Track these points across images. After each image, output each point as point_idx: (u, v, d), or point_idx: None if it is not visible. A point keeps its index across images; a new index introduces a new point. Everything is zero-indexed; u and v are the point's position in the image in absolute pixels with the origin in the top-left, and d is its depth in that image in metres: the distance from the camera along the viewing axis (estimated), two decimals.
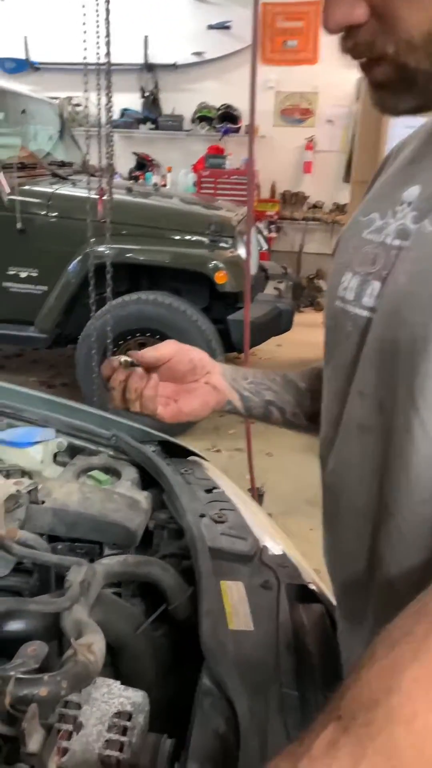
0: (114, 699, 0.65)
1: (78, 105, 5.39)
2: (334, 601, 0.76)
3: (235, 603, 0.76)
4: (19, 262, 3.19)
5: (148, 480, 1.05)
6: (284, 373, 0.87)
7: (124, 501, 0.94)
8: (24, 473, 0.94)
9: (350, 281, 0.59)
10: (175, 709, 0.73)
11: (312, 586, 0.85)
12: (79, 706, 0.63)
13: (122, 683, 0.84)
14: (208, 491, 1.01)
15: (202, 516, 0.92)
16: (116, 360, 0.81)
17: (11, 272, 3.20)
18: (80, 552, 0.92)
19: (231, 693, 0.62)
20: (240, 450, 3.09)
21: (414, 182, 0.56)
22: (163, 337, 2.83)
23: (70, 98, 5.66)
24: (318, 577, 0.92)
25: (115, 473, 1.05)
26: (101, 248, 2.53)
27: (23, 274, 3.19)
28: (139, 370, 0.80)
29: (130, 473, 1.04)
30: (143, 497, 0.98)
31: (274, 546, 0.92)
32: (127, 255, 3.12)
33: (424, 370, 0.48)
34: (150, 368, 0.81)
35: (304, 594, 0.83)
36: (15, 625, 0.72)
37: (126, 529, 0.89)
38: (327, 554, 0.72)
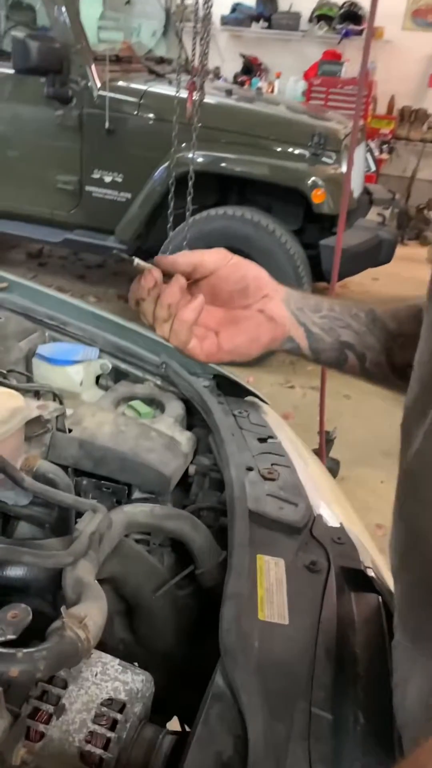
0: (107, 682, 0.54)
1: None
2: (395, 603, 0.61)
3: (271, 586, 0.62)
4: (104, 165, 3.03)
5: (195, 418, 0.92)
6: (371, 307, 0.68)
7: (161, 440, 0.82)
8: (55, 396, 0.82)
9: None
10: (197, 677, 0.62)
11: (370, 572, 0.70)
12: (65, 684, 0.53)
13: (139, 645, 0.75)
14: (262, 440, 0.86)
15: (250, 470, 0.78)
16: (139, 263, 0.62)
17: (95, 176, 3.05)
18: (106, 491, 0.81)
19: (245, 708, 0.49)
20: (315, 388, 2.90)
21: None
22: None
23: None
24: (380, 558, 0.77)
25: (158, 406, 0.92)
26: (190, 155, 2.31)
27: (107, 179, 3.03)
28: (182, 281, 0.61)
29: (175, 408, 0.90)
30: (185, 438, 0.85)
31: (331, 515, 0.77)
32: (221, 164, 2.87)
33: None
34: (188, 281, 0.63)
35: (358, 580, 0.68)
36: (13, 572, 0.62)
37: (159, 473, 0.77)
38: (394, 549, 0.55)
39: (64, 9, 2.95)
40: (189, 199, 2.11)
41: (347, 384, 2.89)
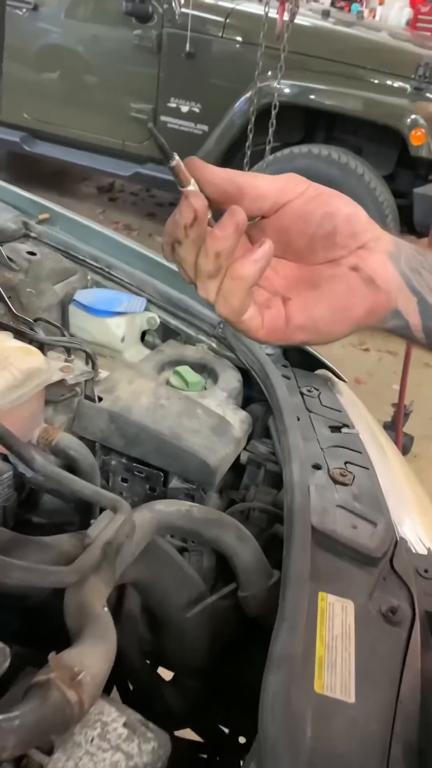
0: (106, 752, 0.41)
1: None
2: None
3: (334, 641, 0.46)
4: (182, 93, 2.78)
5: (254, 392, 0.75)
6: None
7: (209, 420, 0.66)
8: (88, 355, 0.68)
9: None
10: (241, 702, 0.50)
11: None
12: (50, 750, 0.40)
13: (164, 667, 0.63)
14: (335, 429, 0.69)
15: (317, 468, 0.62)
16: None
17: (172, 104, 2.82)
18: (138, 476, 0.67)
19: None
20: (392, 353, 2.66)
21: None
22: None
23: None
24: None
25: (210, 374, 0.76)
26: (276, 84, 2.05)
27: (185, 108, 2.79)
28: (239, 216, 0.40)
29: (230, 380, 0.74)
30: (239, 419, 0.69)
31: (417, 538, 0.60)
32: (310, 96, 2.58)
33: None
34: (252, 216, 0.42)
35: None
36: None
37: (202, 462, 0.62)
38: None
39: None
40: (271, 131, 1.87)
41: (430, 358, 2.63)
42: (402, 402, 1.86)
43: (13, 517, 0.61)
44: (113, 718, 0.42)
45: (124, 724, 0.42)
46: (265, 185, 0.42)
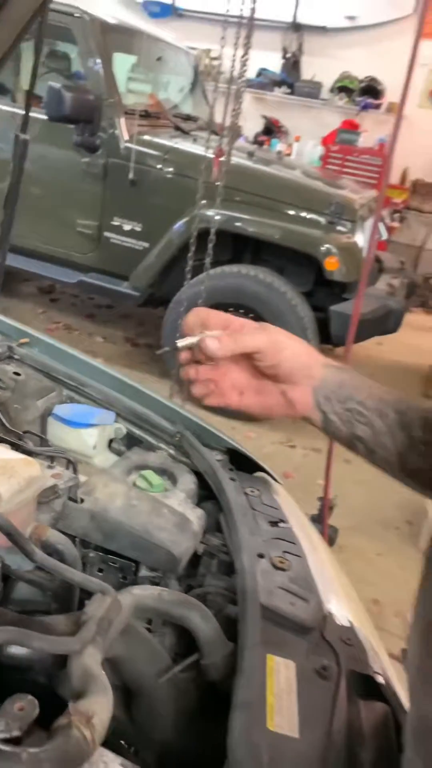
0: None
1: (215, 59, 5.20)
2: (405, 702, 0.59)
3: (281, 692, 0.60)
4: (124, 213, 3.09)
5: (206, 492, 0.91)
6: (406, 408, 0.67)
7: (173, 518, 0.80)
8: (69, 462, 0.81)
9: None
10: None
11: (380, 678, 0.68)
12: None
13: (135, 731, 0.72)
14: (273, 524, 0.85)
15: (261, 557, 0.77)
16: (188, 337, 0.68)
17: (115, 223, 3.11)
18: (113, 566, 0.79)
19: None
20: (317, 450, 2.89)
21: None
22: (257, 317, 2.66)
23: (208, 51, 5.48)
24: (385, 656, 0.75)
25: (170, 477, 0.91)
26: (210, 213, 2.37)
27: (127, 227, 3.09)
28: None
29: (187, 482, 0.90)
30: (196, 517, 0.84)
31: (340, 613, 0.75)
32: (236, 224, 2.94)
33: None
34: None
35: (367, 686, 0.66)
36: (17, 650, 0.60)
37: (169, 553, 0.76)
38: (412, 669, 0.54)
39: (99, 61, 3.07)
40: (208, 260, 2.15)
41: None
42: (327, 496, 2.05)
43: None
44: (112, 758, 0.53)
45: (121, 764, 0.53)
46: (249, 345, 0.67)
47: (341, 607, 0.76)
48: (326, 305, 2.88)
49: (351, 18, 5.51)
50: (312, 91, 5.79)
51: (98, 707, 0.52)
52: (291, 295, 2.84)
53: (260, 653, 0.62)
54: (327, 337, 2.93)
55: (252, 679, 0.58)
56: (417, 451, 0.65)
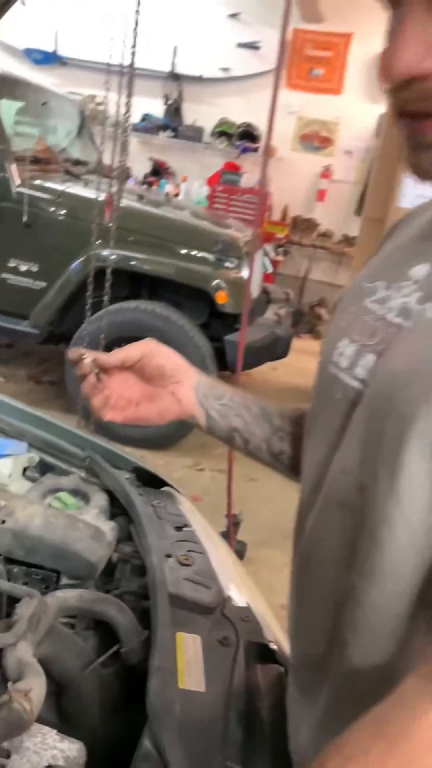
0: (47, 750, 0.61)
1: (100, 104, 5.40)
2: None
3: (190, 659, 0.72)
4: (20, 255, 3.15)
5: (117, 508, 1.01)
6: (264, 404, 0.84)
7: (88, 530, 0.90)
8: None
9: (346, 348, 0.57)
10: (120, 753, 0.69)
11: (273, 646, 0.81)
12: (8, 754, 0.59)
13: (64, 722, 0.80)
14: (178, 528, 0.97)
15: (168, 556, 0.89)
16: (87, 361, 0.80)
17: (12, 264, 3.16)
18: (36, 578, 0.87)
19: (171, 764, 0.58)
20: (223, 471, 3.03)
21: (424, 260, 0.53)
22: None
23: (93, 96, 5.67)
24: (281, 633, 0.88)
25: (83, 497, 1.01)
26: (105, 252, 2.50)
27: (23, 268, 3.15)
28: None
29: (99, 499, 1.00)
30: (109, 528, 0.94)
31: (239, 597, 0.88)
32: (131, 263, 3.09)
33: (406, 460, 0.46)
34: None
35: (263, 653, 0.79)
36: None
37: (87, 561, 0.86)
38: (290, 620, 0.68)
39: None
40: (106, 298, 2.27)
41: (253, 468, 3.06)
42: (231, 512, 2.19)
43: None
44: (48, 729, 0.62)
45: (56, 734, 0.62)
46: (132, 354, 0.80)
47: (239, 593, 0.90)
48: (221, 335, 3.08)
49: (225, 69, 5.93)
50: (194, 135, 6.13)
51: (34, 685, 0.62)
52: (188, 327, 3.02)
53: (170, 631, 0.74)
54: (225, 365, 3.13)
55: (164, 651, 0.69)
56: (278, 436, 0.81)
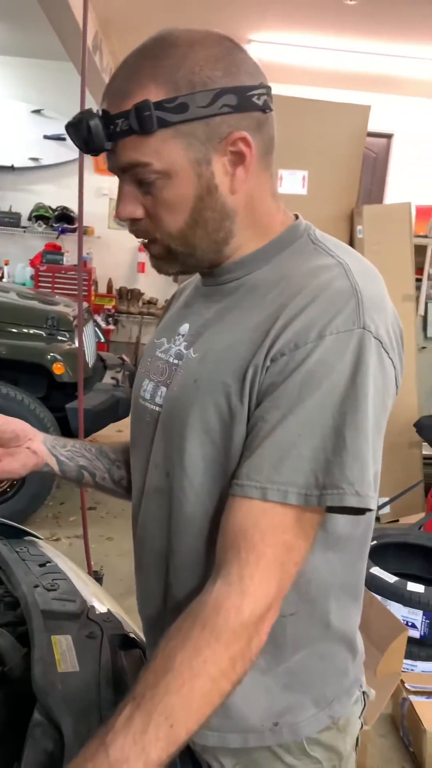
0: None
1: None
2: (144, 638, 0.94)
3: (64, 651, 0.90)
4: None
5: None
6: (100, 444, 1.07)
7: None
8: None
9: (148, 385, 0.83)
10: None
11: (132, 635, 1.01)
12: None
13: None
14: (42, 565, 1.14)
15: (36, 586, 1.05)
16: None
17: None
18: None
19: (58, 719, 0.75)
20: (80, 537, 3.13)
21: (185, 321, 0.82)
22: None
23: None
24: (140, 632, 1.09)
25: None
26: None
27: None
28: None
29: None
30: None
31: (100, 606, 1.07)
32: None
33: (188, 445, 0.73)
34: None
35: (125, 642, 0.99)
36: None
37: None
38: (137, 596, 0.90)
39: None
40: None
41: (109, 528, 3.20)
42: (90, 567, 2.33)
43: None
44: None
45: None
46: None
47: (100, 603, 1.09)
48: (63, 404, 3.23)
49: (35, 159, 6.27)
50: (12, 220, 6.31)
51: None
52: (28, 401, 3.14)
53: (46, 635, 0.91)
54: (69, 432, 3.27)
55: (42, 648, 0.87)
56: (116, 465, 1.04)
